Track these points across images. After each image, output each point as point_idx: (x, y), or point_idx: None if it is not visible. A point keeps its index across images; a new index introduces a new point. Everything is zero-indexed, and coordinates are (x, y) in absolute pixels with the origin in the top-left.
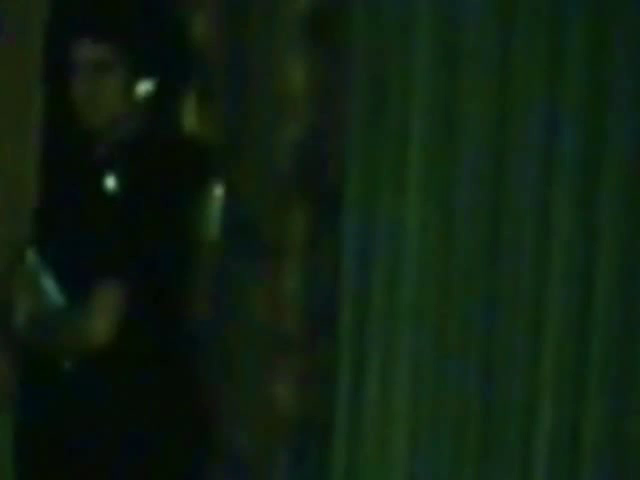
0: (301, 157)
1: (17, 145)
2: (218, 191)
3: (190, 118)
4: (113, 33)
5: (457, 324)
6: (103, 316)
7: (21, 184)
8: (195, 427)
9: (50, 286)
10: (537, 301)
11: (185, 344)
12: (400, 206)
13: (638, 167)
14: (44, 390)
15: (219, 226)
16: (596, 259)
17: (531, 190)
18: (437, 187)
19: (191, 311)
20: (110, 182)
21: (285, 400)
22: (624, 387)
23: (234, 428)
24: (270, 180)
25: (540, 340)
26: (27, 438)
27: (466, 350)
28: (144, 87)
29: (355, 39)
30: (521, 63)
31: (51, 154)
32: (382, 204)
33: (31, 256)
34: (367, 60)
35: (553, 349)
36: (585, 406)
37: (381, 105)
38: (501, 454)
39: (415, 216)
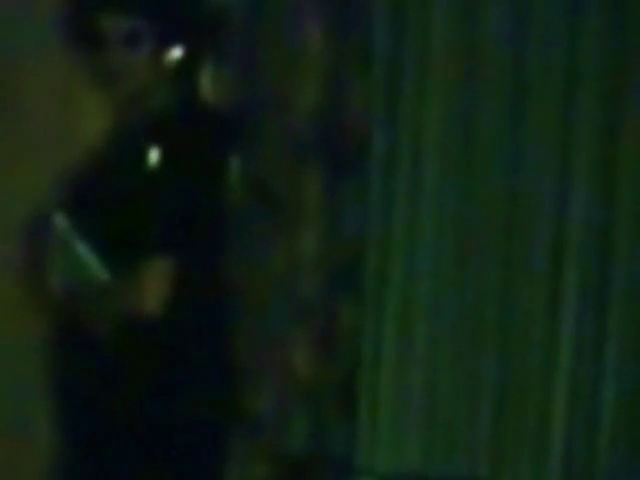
0: (318, 117)
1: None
2: (236, 154)
3: (206, 83)
4: (141, 4)
5: (475, 262)
6: (156, 290)
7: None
8: (219, 389)
9: (86, 254)
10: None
11: (214, 309)
12: (422, 159)
13: None
14: (78, 355)
15: (237, 188)
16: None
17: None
18: (457, 137)
19: (220, 277)
20: (153, 155)
21: (303, 363)
22: None
23: (253, 390)
24: (286, 141)
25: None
26: (63, 402)
27: (483, 305)
28: (173, 55)
29: None
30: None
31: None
32: (404, 160)
33: (62, 221)
34: (387, 15)
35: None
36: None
37: (402, 59)
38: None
39: (435, 167)
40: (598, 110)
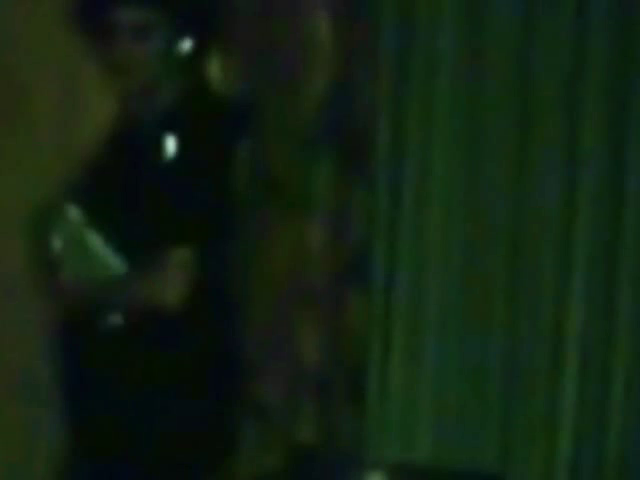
0: (327, 108)
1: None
2: (245, 143)
3: (216, 72)
4: None
5: (483, 255)
6: (179, 278)
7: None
8: (225, 381)
9: (100, 247)
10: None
11: (221, 299)
12: (429, 151)
13: None
14: (82, 346)
15: (244, 180)
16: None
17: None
18: (464, 130)
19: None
20: (170, 145)
21: (312, 354)
22: None
23: (262, 382)
24: (295, 132)
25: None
26: (69, 398)
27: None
28: (182, 47)
29: None
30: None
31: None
32: (411, 152)
33: (75, 214)
34: (396, 7)
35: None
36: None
37: (410, 52)
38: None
39: (443, 160)
40: (605, 110)
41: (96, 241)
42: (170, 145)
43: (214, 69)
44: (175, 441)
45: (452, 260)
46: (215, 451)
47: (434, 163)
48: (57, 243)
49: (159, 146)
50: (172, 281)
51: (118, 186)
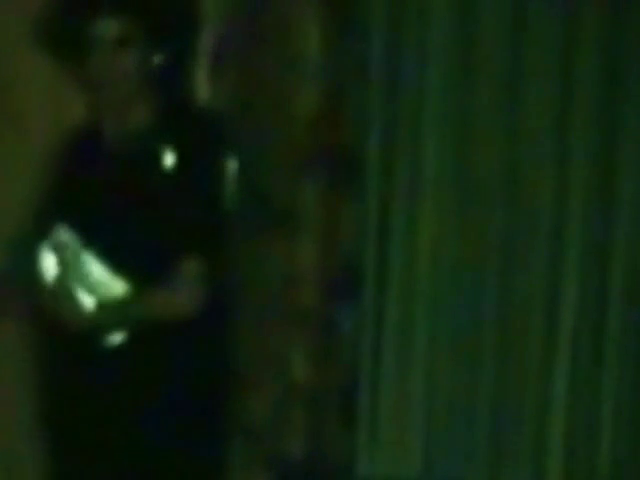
0: (316, 124)
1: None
2: (232, 160)
3: (202, 88)
4: (132, 8)
5: (474, 269)
6: (194, 288)
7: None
8: (214, 397)
9: (96, 267)
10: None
11: (214, 315)
12: (419, 165)
13: None
14: (82, 368)
15: (232, 196)
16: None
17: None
18: (454, 142)
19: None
20: (169, 158)
21: (301, 370)
22: None
23: (253, 398)
24: (283, 149)
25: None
26: (63, 416)
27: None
28: (160, 59)
29: (371, 4)
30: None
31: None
32: (401, 166)
33: (66, 236)
34: (383, 25)
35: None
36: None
37: (398, 68)
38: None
39: (433, 177)
40: (596, 109)
41: (89, 262)
42: (153, 160)
43: (199, 83)
44: (164, 459)
45: (443, 275)
46: (205, 469)
47: (424, 178)
48: (50, 267)
49: (141, 162)
50: (188, 293)
51: (100, 203)
